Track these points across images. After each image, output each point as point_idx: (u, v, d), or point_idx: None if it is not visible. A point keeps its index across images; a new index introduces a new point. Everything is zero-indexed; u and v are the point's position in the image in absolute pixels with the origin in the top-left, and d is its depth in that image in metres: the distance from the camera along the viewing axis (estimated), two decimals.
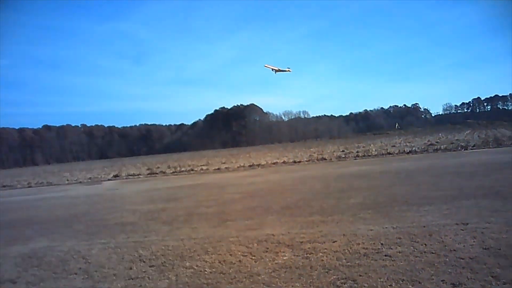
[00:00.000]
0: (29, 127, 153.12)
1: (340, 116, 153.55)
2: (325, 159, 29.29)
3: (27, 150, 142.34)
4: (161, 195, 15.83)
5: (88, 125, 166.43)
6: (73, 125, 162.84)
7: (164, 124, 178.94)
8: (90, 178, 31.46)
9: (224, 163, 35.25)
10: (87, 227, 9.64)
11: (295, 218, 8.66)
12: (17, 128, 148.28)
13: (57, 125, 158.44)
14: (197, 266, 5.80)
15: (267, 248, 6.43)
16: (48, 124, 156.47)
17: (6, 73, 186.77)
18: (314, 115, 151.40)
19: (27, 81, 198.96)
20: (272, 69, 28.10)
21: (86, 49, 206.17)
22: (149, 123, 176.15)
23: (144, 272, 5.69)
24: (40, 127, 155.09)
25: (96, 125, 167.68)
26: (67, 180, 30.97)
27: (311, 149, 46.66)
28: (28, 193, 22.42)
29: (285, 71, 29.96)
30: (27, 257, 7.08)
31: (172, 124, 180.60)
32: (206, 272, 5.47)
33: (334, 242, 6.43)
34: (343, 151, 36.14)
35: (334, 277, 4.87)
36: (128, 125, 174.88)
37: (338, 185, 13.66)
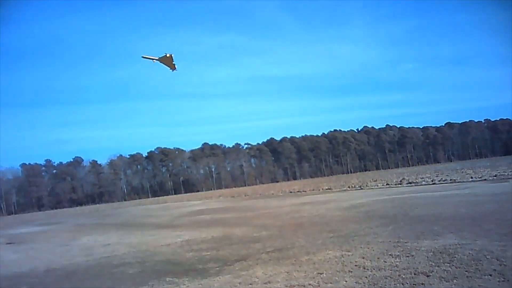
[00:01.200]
0: (432, 125, 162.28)
1: None
2: None
3: (430, 148, 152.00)
4: None
5: (492, 119, 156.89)
6: (476, 120, 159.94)
7: None
8: (495, 175, 29.62)
9: None
10: (498, 227, 8.99)
11: None
12: (421, 127, 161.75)
13: (459, 122, 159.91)
14: None
15: None
16: (451, 122, 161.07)
17: (411, 76, 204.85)
18: None
19: (430, 81, 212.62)
20: (153, 60, 16.65)
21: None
22: None
23: None
24: (443, 124, 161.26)
25: (501, 119, 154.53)
26: (470, 178, 30.50)
27: None
28: (432, 190, 23.68)
29: (163, 58, 16.42)
30: (438, 252, 7.29)
31: None
32: None
33: None
34: None
35: None
36: None
37: None
